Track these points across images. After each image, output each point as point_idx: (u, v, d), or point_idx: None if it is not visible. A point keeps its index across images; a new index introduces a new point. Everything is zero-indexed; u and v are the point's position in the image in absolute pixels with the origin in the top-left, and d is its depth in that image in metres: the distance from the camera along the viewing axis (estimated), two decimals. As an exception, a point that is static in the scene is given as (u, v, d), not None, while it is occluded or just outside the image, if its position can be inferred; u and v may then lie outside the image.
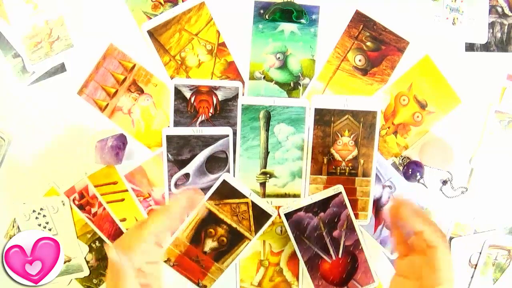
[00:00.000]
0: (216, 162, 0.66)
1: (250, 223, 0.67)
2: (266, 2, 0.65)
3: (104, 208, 0.66)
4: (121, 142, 0.64)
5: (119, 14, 0.64)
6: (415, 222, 0.54)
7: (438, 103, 0.67)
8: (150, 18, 0.65)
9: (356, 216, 0.68)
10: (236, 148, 0.66)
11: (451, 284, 0.52)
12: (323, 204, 0.67)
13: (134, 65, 0.65)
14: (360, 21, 0.66)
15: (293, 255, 0.68)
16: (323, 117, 0.67)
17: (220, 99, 0.66)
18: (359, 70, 0.67)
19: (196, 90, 0.66)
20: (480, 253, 0.69)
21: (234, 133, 0.66)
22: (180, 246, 0.67)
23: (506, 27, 0.67)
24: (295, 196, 0.67)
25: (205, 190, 0.67)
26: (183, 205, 0.56)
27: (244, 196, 0.67)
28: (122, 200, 0.66)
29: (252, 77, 0.66)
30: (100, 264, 0.67)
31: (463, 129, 0.67)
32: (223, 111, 0.66)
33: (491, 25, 0.67)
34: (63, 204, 0.66)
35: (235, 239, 0.67)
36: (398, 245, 0.59)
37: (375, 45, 0.66)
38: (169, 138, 0.66)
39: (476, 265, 0.69)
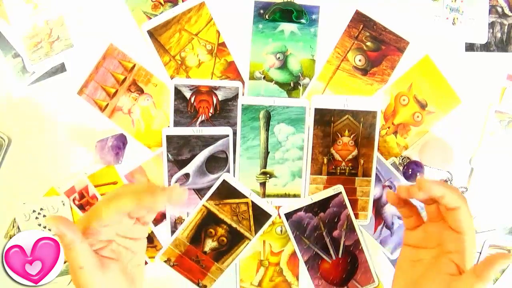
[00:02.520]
0: (216, 162, 0.66)
1: (250, 223, 0.67)
2: (266, 2, 0.65)
3: (104, 208, 0.66)
4: (121, 142, 0.64)
5: (119, 14, 0.64)
6: (436, 188, 0.51)
7: (438, 103, 0.67)
8: (150, 18, 0.65)
9: (356, 216, 0.68)
10: (236, 148, 0.66)
11: (474, 246, 0.51)
12: (323, 204, 0.67)
13: (134, 65, 0.65)
14: (360, 21, 0.66)
15: (293, 255, 0.68)
16: (323, 117, 0.67)
17: (220, 99, 0.66)
18: (359, 70, 0.67)
19: (196, 90, 0.66)
20: (480, 253, 0.69)
21: (234, 133, 0.66)
22: (180, 246, 0.67)
23: (506, 27, 0.67)
24: (295, 196, 0.67)
25: (205, 190, 0.67)
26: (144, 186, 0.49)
27: (244, 196, 0.67)
28: (122, 200, 0.66)
29: (252, 77, 0.66)
30: (100, 264, 0.67)
31: (463, 129, 0.67)
32: (223, 111, 0.66)
33: (491, 25, 0.67)
34: (63, 204, 0.66)
35: (235, 239, 0.67)
36: (407, 219, 0.57)
37: (375, 45, 0.66)
38: (169, 138, 0.66)
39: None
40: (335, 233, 0.68)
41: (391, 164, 0.68)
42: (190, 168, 0.66)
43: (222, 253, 0.67)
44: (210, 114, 0.66)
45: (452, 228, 0.51)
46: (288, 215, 0.67)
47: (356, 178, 0.67)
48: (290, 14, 0.64)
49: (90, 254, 0.45)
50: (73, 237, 0.44)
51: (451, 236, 0.51)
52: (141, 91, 0.66)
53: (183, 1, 0.65)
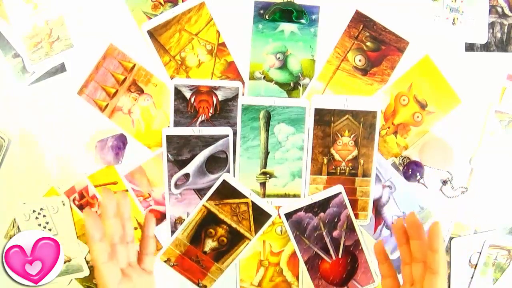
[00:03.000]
0: (216, 162, 0.66)
1: (250, 223, 0.67)
2: (266, 2, 0.65)
3: (104, 208, 0.66)
4: (121, 142, 0.64)
5: (119, 14, 0.64)
6: (440, 243, 0.53)
7: (438, 103, 0.67)
8: (150, 18, 0.65)
9: (356, 216, 0.68)
10: (236, 148, 0.66)
11: None
12: (323, 204, 0.67)
13: (134, 65, 0.65)
14: (360, 21, 0.66)
15: (293, 255, 0.68)
16: (323, 117, 0.67)
17: (220, 99, 0.66)
18: (359, 70, 0.67)
19: (196, 90, 0.66)
20: (480, 253, 0.69)
21: (234, 133, 0.66)
22: (180, 246, 0.67)
23: (506, 27, 0.67)
24: (295, 196, 0.67)
25: (205, 190, 0.67)
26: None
27: (244, 196, 0.67)
28: (122, 200, 0.66)
29: (252, 77, 0.66)
30: (100, 264, 0.67)
31: (463, 129, 0.67)
32: (223, 111, 0.66)
33: (491, 25, 0.67)
34: (63, 204, 0.66)
35: (235, 239, 0.67)
36: (385, 280, 0.60)
37: (375, 45, 0.66)
38: (169, 138, 0.66)
39: (476, 265, 0.69)
40: (335, 233, 0.68)
41: (391, 164, 0.68)
42: (190, 168, 0.66)
43: (222, 253, 0.67)
44: (210, 114, 0.66)
45: (430, 267, 0.53)
46: (288, 215, 0.67)
47: (356, 178, 0.67)
48: (290, 14, 0.64)
49: None
50: None
51: None
52: (141, 91, 0.66)
53: (183, 1, 0.65)
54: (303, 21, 0.65)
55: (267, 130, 0.66)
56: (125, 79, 0.65)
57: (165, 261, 0.67)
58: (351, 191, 0.67)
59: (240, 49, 0.66)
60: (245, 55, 0.66)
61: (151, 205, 0.67)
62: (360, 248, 0.68)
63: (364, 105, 0.66)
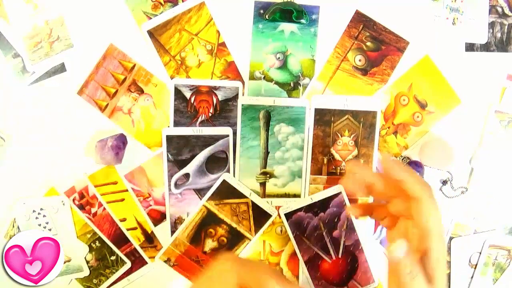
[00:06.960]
0: (216, 162, 0.66)
1: (250, 223, 0.67)
2: (266, 2, 0.65)
3: (104, 208, 0.66)
4: (121, 142, 0.64)
5: (119, 14, 0.64)
6: (397, 170, 0.48)
7: (438, 103, 0.67)
8: (150, 18, 0.65)
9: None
10: (236, 148, 0.66)
11: (440, 245, 0.47)
12: (323, 204, 0.67)
13: (134, 65, 0.65)
14: (360, 21, 0.66)
15: (293, 255, 0.68)
16: (323, 117, 0.67)
17: (220, 99, 0.66)
18: (359, 70, 0.67)
19: (196, 90, 0.66)
20: (480, 253, 0.69)
21: (234, 133, 0.66)
22: (180, 246, 0.67)
23: (506, 27, 0.67)
24: (295, 196, 0.67)
25: (205, 190, 0.67)
26: None
27: (244, 196, 0.67)
28: (122, 200, 0.66)
29: (252, 77, 0.66)
30: (100, 264, 0.67)
31: (463, 129, 0.67)
32: (223, 111, 0.66)
33: (491, 25, 0.67)
34: (63, 204, 0.66)
35: (235, 239, 0.67)
36: (383, 222, 0.54)
37: (375, 45, 0.66)
38: (169, 138, 0.66)
39: (476, 265, 0.69)
40: (335, 233, 0.68)
41: (391, 164, 0.68)
42: (190, 168, 0.66)
43: (222, 253, 0.67)
44: (210, 114, 0.66)
45: (417, 226, 0.48)
46: (288, 215, 0.67)
47: (356, 178, 0.67)
48: (290, 14, 0.64)
49: None
50: None
51: (415, 234, 0.48)
52: (141, 91, 0.66)
53: (183, 1, 0.65)
54: (303, 21, 0.65)
55: (267, 130, 0.66)
56: (125, 79, 0.66)
57: (165, 261, 0.67)
58: (351, 191, 0.67)
59: (240, 49, 0.66)
60: (245, 55, 0.66)
61: (151, 205, 0.67)
62: (360, 248, 0.68)
63: (364, 105, 0.67)
